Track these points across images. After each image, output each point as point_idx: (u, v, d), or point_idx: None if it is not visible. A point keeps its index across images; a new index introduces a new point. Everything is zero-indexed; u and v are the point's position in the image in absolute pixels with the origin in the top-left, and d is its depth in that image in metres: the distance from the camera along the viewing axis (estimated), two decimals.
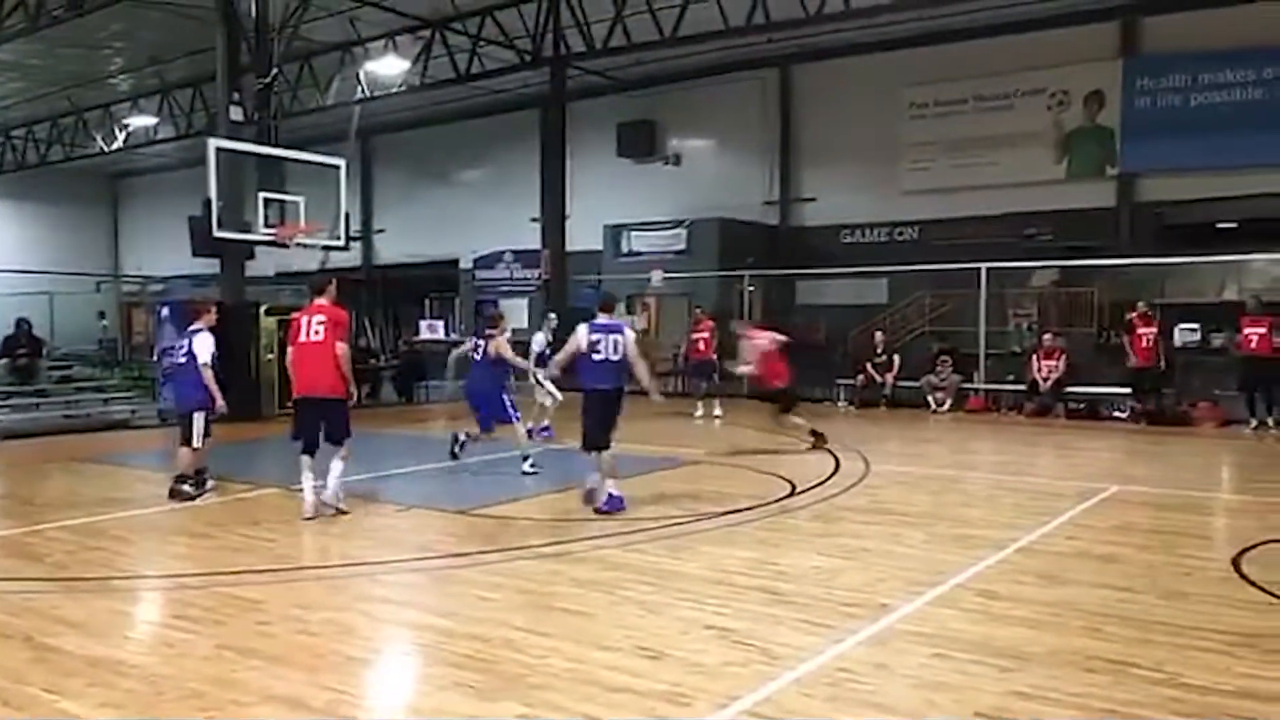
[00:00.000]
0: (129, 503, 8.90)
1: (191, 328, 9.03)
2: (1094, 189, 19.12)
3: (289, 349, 8.22)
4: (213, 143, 12.25)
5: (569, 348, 8.06)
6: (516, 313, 23.93)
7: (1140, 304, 15.21)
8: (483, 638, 4.90)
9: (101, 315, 28.53)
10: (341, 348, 7.88)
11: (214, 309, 9.27)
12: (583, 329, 7.96)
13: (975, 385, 16.86)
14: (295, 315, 8.29)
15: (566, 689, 4.24)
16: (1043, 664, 4.57)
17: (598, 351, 7.88)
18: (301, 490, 7.90)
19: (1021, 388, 16.30)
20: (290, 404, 8.38)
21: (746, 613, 5.35)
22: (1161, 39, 18.47)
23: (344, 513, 7.87)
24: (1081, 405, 15.68)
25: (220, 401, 8.77)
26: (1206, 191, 17.43)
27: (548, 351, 12.46)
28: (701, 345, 16.53)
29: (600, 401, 7.94)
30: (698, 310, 17.24)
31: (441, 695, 4.21)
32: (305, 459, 7.93)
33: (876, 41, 20.62)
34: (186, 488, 8.75)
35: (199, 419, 8.76)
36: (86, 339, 27.27)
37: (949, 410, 16.48)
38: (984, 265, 16.89)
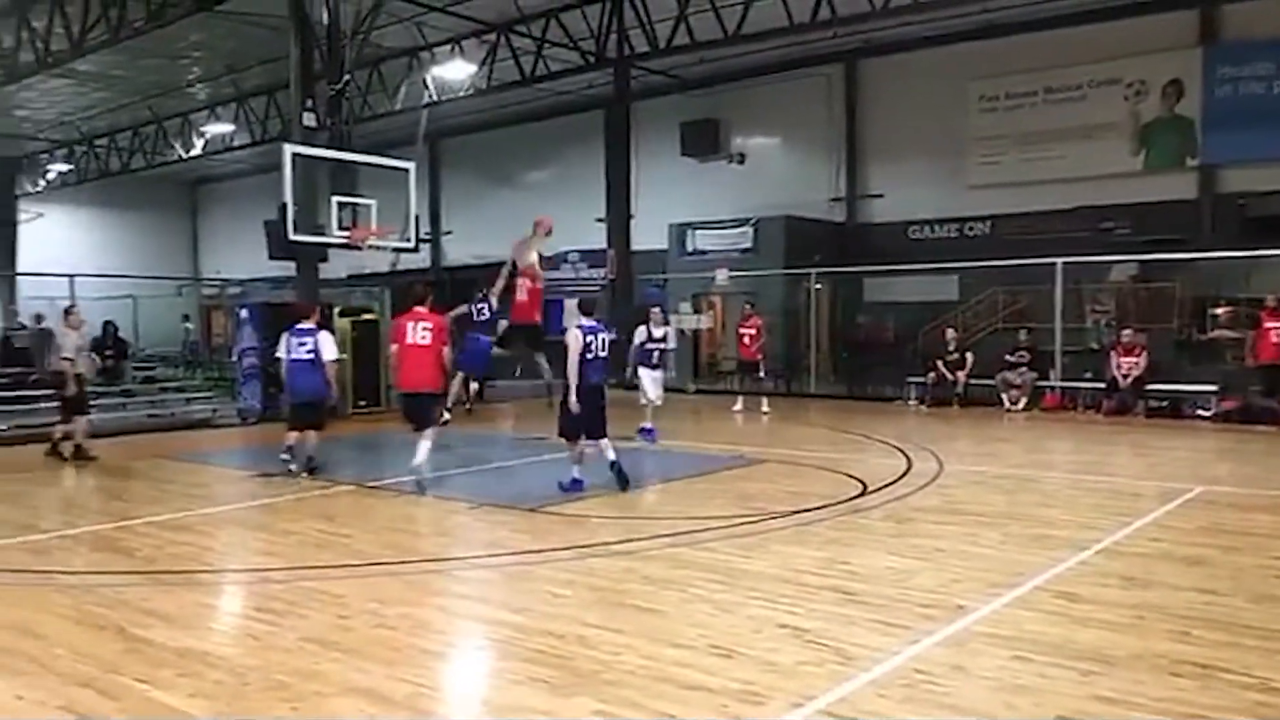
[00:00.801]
0: (212, 499, 9.19)
1: (303, 327, 10.04)
2: (1173, 181, 18.59)
3: (393, 347, 9.41)
4: (288, 148, 12.53)
5: (574, 348, 8.64)
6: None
7: (1269, 297, 14.45)
8: (556, 634, 4.95)
9: (186, 318, 29.35)
10: (446, 352, 9.30)
11: (318, 309, 10.51)
12: (576, 331, 8.70)
13: (1051, 383, 16.47)
14: (399, 319, 9.42)
15: (641, 686, 4.25)
16: (1126, 668, 4.47)
17: (590, 350, 8.69)
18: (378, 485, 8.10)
19: (1099, 385, 15.88)
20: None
21: (819, 612, 5.31)
22: (1243, 25, 17.88)
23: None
24: (1163, 403, 15.21)
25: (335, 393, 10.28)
26: None
27: (650, 345, 12.62)
28: (748, 341, 16.41)
29: (591, 394, 8.72)
30: (746, 306, 17.12)
31: (517, 690, 4.26)
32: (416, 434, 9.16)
33: (943, 34, 20.32)
34: (314, 467, 9.93)
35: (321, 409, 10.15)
36: (169, 341, 28.09)
37: (1024, 409, 16.13)
38: (1059, 260, 16.50)
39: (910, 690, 4.22)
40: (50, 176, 34.95)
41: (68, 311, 11.96)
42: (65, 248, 33.57)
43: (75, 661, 4.58)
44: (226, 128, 28.95)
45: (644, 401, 12.62)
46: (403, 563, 6.59)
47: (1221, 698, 4.09)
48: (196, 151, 30.65)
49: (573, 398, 8.59)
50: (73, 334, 11.49)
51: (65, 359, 11.27)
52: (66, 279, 17.33)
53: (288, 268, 16.49)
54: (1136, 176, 18.87)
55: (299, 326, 10.03)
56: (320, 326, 10.15)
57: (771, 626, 5.09)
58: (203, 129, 29.66)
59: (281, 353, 10.02)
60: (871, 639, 4.88)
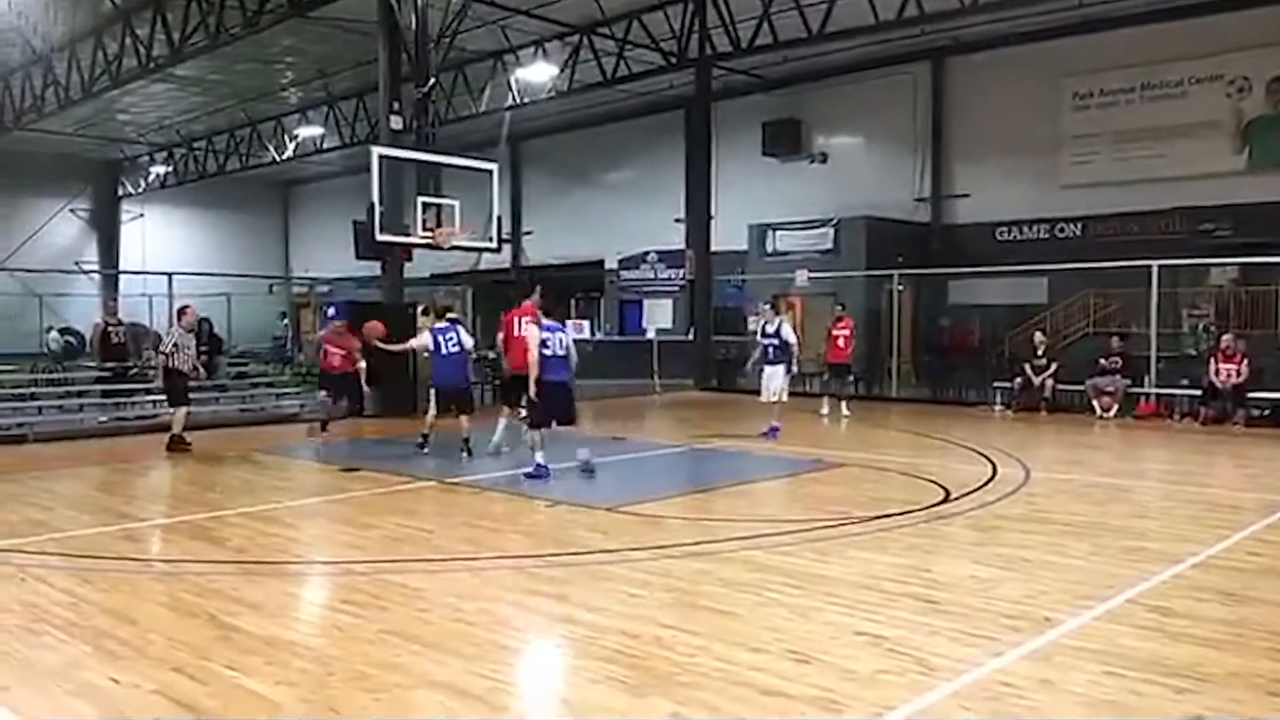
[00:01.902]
0: (299, 491, 9.45)
1: (444, 324, 11.19)
2: (1278, 181, 17.78)
3: (499, 335, 11.15)
4: (376, 150, 12.84)
5: (533, 345, 9.34)
6: (661, 313, 24.12)
7: None
8: (632, 634, 4.95)
9: (283, 315, 30.19)
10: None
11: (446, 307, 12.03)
12: (535, 329, 9.45)
13: (1145, 390, 15.90)
14: (508, 313, 10.90)
15: (717, 689, 4.23)
16: (1223, 686, 4.28)
17: (547, 347, 9.37)
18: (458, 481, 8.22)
19: (1195, 392, 15.28)
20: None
21: (899, 620, 5.21)
22: None
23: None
24: (1265, 412, 14.58)
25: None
26: None
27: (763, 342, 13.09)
28: (841, 343, 16.15)
29: (552, 389, 9.41)
30: (838, 308, 16.88)
31: (593, 689, 4.26)
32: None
33: (1035, 31, 19.81)
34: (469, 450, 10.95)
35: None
36: (261, 338, 28.96)
37: (1116, 416, 15.61)
38: (1155, 263, 15.93)
39: (995, 704, 4.11)
40: (150, 178, 36.36)
41: (181, 311, 12.64)
42: (164, 247, 34.99)
43: (168, 647, 4.74)
44: (317, 130, 29.75)
45: (763, 399, 12.87)
46: (480, 558, 6.67)
47: None
48: (288, 154, 31.55)
49: (532, 389, 9.31)
50: (183, 332, 12.17)
51: (162, 353, 11.89)
52: (165, 277, 18.05)
53: (373, 267, 16.87)
54: (1238, 176, 18.13)
55: (440, 325, 11.27)
56: (454, 322, 11.40)
57: (849, 633, 5.01)
58: (294, 132, 30.52)
59: (428, 346, 11.14)
60: (954, 649, 4.76)
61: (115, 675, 4.36)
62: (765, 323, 13.11)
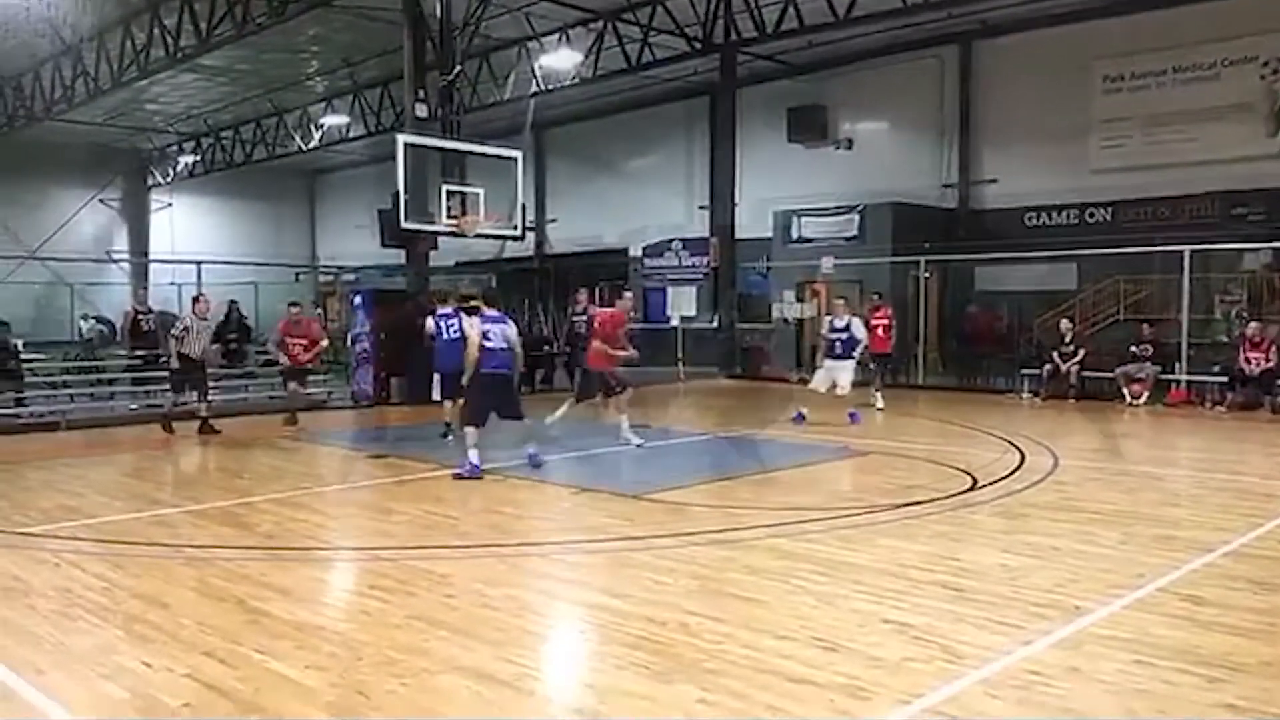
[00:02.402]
0: (326, 478, 9.54)
1: (491, 314, 10.75)
2: None
3: None
4: (401, 138, 12.87)
5: (473, 339, 9.11)
6: (685, 300, 24.06)
7: None
8: (657, 620, 4.95)
9: (316, 304, 30.35)
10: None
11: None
12: (476, 321, 9.32)
13: (1176, 376, 15.71)
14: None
15: (743, 676, 4.22)
16: (1256, 675, 4.23)
17: (490, 339, 9.06)
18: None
19: (1225, 379, 15.08)
20: None
21: (926, 608, 5.18)
22: None
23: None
24: None
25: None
26: None
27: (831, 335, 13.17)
28: (881, 332, 15.89)
29: (491, 382, 9.09)
30: (875, 297, 16.71)
31: (619, 674, 4.27)
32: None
33: (1065, 12, 19.54)
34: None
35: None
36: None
37: (1146, 403, 15.43)
38: (1187, 248, 15.70)
39: (1024, 692, 4.08)
40: (179, 168, 36.67)
41: (195, 299, 12.71)
42: (191, 236, 35.32)
43: (199, 631, 4.79)
44: (343, 119, 29.84)
45: (823, 390, 13.02)
46: (506, 545, 6.70)
47: None
48: (314, 143, 31.69)
49: (465, 381, 9.16)
50: (195, 319, 12.20)
51: (172, 335, 12.09)
52: (193, 265, 18.22)
53: (399, 255, 16.94)
54: (1272, 160, 17.80)
55: (444, 310, 11.31)
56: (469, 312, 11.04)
57: (876, 621, 4.99)
58: (320, 121, 30.65)
59: (432, 333, 11.24)
60: (981, 637, 4.73)
61: (147, 659, 4.41)
62: (834, 317, 13.38)
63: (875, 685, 4.14)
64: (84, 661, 4.43)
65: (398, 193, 12.78)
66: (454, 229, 13.38)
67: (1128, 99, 19.49)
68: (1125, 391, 15.76)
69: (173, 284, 26.10)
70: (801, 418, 12.79)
